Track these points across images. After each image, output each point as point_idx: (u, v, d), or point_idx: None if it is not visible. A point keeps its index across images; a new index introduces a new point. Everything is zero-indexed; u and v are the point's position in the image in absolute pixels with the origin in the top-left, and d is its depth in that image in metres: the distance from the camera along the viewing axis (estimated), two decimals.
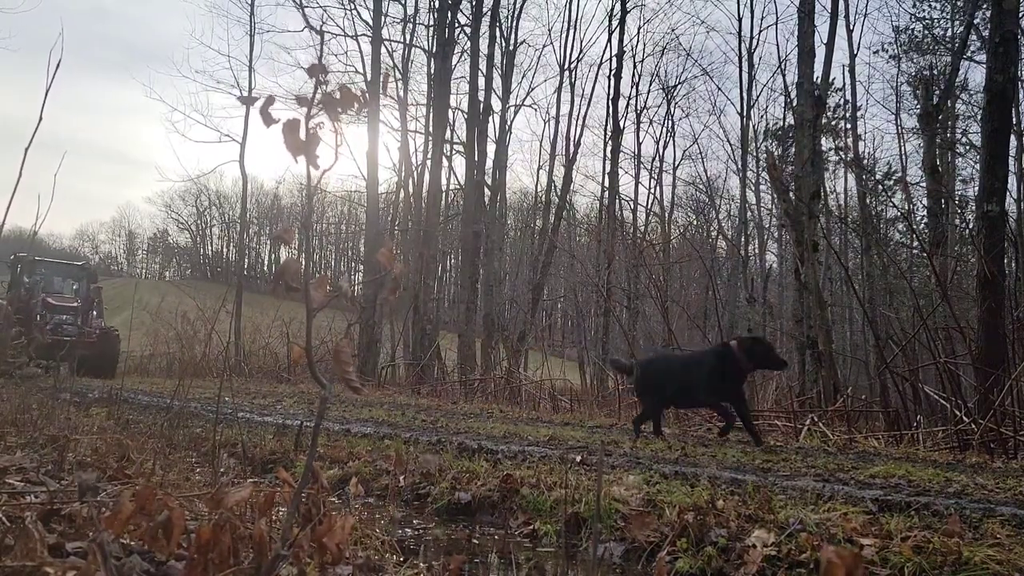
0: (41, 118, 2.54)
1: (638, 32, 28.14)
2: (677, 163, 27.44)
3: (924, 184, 17.47)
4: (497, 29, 18.62)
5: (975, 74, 23.29)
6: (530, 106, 23.33)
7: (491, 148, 19.83)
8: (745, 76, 21.63)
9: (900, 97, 21.63)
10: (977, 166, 18.09)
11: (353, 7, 20.05)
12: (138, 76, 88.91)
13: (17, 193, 2.58)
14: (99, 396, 6.83)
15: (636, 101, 23.64)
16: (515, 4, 20.80)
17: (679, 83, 24.77)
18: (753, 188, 25.17)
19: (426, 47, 20.42)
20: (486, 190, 18.41)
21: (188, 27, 36.32)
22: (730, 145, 25.43)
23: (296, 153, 1.21)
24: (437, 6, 17.32)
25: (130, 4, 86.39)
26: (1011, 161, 12.96)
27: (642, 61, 23.27)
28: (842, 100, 23.78)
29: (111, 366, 16.58)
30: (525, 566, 2.59)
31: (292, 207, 66.93)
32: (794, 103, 14.98)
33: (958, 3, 18.49)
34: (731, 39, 30.82)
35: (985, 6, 13.38)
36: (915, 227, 17.36)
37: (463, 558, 1.64)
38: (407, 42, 21.20)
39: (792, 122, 18.84)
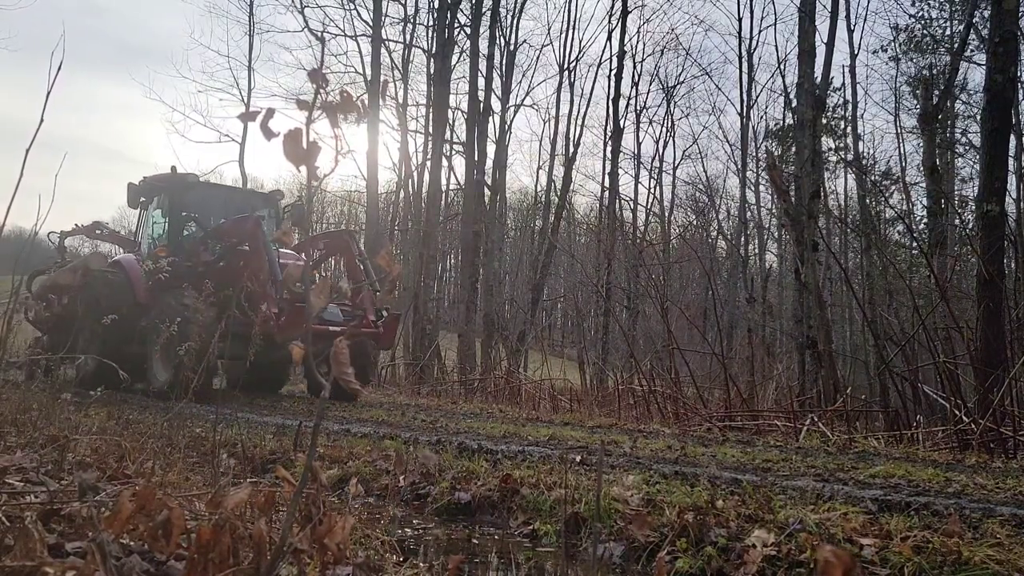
0: (43, 119, 2.54)
1: (638, 32, 28.23)
2: (677, 163, 27.50)
3: (923, 184, 17.49)
4: (497, 29, 18.63)
5: (975, 74, 23.32)
6: (530, 106, 23.41)
7: (491, 148, 19.86)
8: (745, 76, 21.67)
9: (899, 97, 21.65)
10: (977, 166, 18.11)
11: (353, 7, 20.08)
12: (136, 76, 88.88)
13: (17, 193, 2.58)
14: (98, 396, 6.80)
15: (636, 101, 23.69)
16: (515, 4, 20.84)
17: (679, 83, 24.85)
18: (753, 188, 25.20)
19: (426, 47, 20.44)
20: (486, 190, 18.41)
21: (185, 27, 36.32)
22: (730, 145, 25.47)
23: (297, 163, 1.21)
24: (437, 6, 17.32)
25: (123, 1, 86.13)
26: (1011, 161, 12.98)
27: (642, 61, 23.33)
28: (842, 100, 23.80)
29: (366, 372, 9.09)
30: (525, 566, 2.59)
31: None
32: (794, 103, 14.98)
33: (957, 3, 18.49)
34: (731, 39, 30.87)
35: (985, 6, 13.38)
36: (914, 227, 17.37)
37: (462, 558, 1.65)
38: (407, 42, 21.23)
39: (792, 122, 18.85)
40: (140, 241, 9.73)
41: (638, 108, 24.16)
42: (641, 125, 24.87)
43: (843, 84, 22.58)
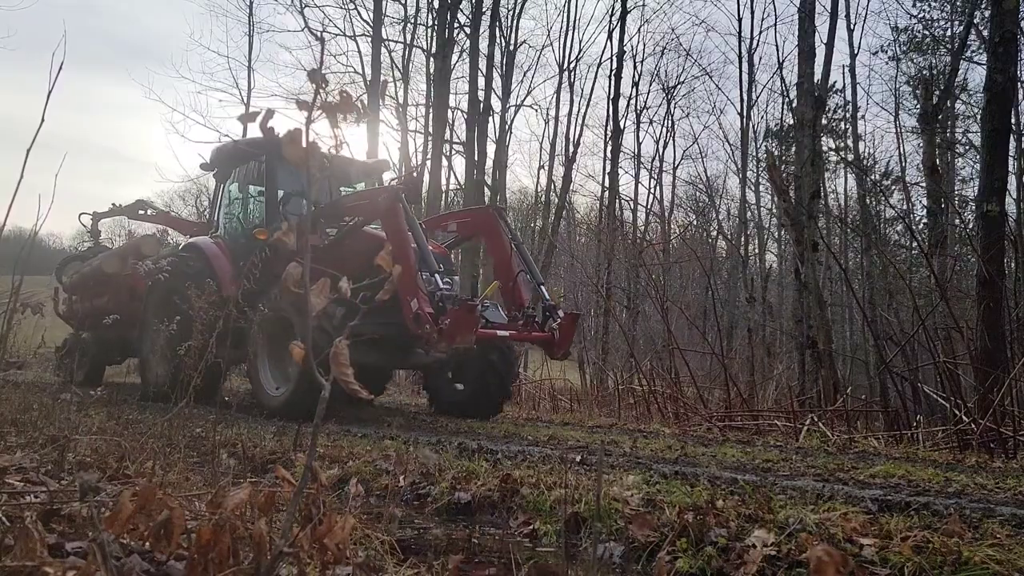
0: (43, 120, 2.54)
1: (638, 32, 28.23)
2: (677, 163, 27.47)
3: (923, 184, 17.49)
4: (497, 29, 18.64)
5: (975, 74, 23.31)
6: (530, 106, 23.40)
7: (491, 148, 19.87)
8: (745, 76, 21.68)
9: (899, 97, 21.65)
10: (977, 166, 18.11)
11: (353, 7, 20.09)
12: (136, 76, 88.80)
13: (17, 194, 2.58)
14: (99, 395, 6.76)
15: (636, 101, 23.68)
16: (515, 4, 20.85)
17: (679, 83, 24.82)
18: (753, 188, 25.21)
19: (426, 47, 20.44)
20: (486, 190, 18.41)
21: (184, 27, 36.33)
22: (730, 145, 25.47)
23: (297, 163, 1.21)
24: (437, 6, 17.33)
25: (123, 1, 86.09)
26: (1011, 161, 12.97)
27: (642, 61, 23.33)
28: (842, 100, 23.81)
29: (507, 383, 7.26)
30: (525, 566, 2.59)
31: None
32: (794, 103, 14.99)
33: (958, 3, 18.50)
34: (731, 39, 30.82)
35: (985, 6, 13.38)
36: (914, 227, 17.37)
37: (462, 558, 1.65)
38: (407, 42, 21.24)
39: (792, 122, 18.86)
40: (217, 221, 7.98)
41: (638, 108, 24.18)
42: (641, 125, 24.88)
43: (843, 84, 22.63)
